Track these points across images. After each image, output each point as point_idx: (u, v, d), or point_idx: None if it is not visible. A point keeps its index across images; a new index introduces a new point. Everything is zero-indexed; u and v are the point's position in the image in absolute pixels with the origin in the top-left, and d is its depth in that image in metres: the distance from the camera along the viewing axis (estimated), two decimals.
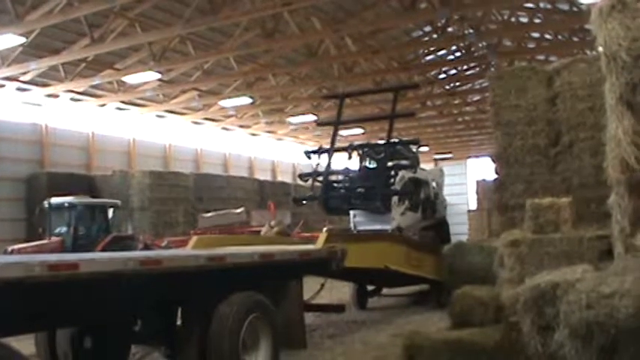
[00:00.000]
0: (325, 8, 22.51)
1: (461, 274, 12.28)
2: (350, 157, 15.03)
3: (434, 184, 16.25)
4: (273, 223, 22.13)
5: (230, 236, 15.36)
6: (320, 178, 14.33)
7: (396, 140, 16.16)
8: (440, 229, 15.86)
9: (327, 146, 14.86)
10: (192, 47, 23.23)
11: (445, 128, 40.90)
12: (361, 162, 15.53)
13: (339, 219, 21.68)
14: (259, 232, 20.99)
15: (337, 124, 15.51)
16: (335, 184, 14.74)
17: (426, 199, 15.35)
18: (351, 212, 14.94)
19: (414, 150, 16.35)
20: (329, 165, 14.58)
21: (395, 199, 14.08)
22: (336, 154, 14.97)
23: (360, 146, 15.54)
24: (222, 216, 24.94)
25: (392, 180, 14.53)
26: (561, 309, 4.70)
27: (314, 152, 14.90)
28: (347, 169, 15.26)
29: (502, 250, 9.21)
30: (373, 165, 15.33)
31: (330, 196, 14.22)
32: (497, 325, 7.44)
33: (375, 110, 32.19)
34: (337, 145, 15.33)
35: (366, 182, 14.20)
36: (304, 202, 15.76)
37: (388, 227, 13.89)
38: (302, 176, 15.72)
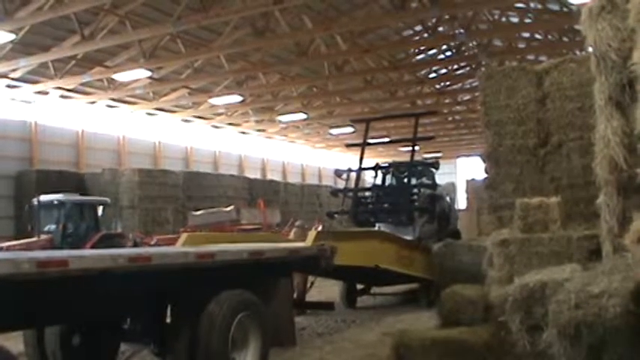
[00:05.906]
0: (316, 7, 22.52)
1: (450, 274, 12.25)
2: (376, 176, 17.01)
3: (448, 198, 17.44)
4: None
5: (220, 234, 15.40)
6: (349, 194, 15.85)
7: (418, 162, 18.40)
8: (453, 238, 16.42)
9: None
10: (183, 45, 23.16)
11: (435, 127, 40.93)
12: (384, 180, 17.04)
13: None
14: (251, 230, 21.29)
15: (364, 145, 16.74)
16: (363, 200, 16.19)
17: (441, 212, 16.21)
18: (376, 224, 15.83)
19: (433, 170, 17.51)
20: (358, 182, 16.13)
21: (416, 213, 15.44)
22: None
23: (386, 166, 17.31)
24: (212, 214, 24.88)
25: (414, 196, 16.03)
26: (550, 308, 4.70)
27: (345, 171, 16.49)
28: (374, 185, 17.04)
29: (491, 249, 9.22)
30: (397, 183, 16.81)
31: (359, 210, 15.50)
32: (486, 325, 7.45)
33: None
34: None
35: (392, 198, 16.04)
36: (336, 215, 16.91)
37: (410, 238, 14.58)
38: (334, 192, 18.14)
